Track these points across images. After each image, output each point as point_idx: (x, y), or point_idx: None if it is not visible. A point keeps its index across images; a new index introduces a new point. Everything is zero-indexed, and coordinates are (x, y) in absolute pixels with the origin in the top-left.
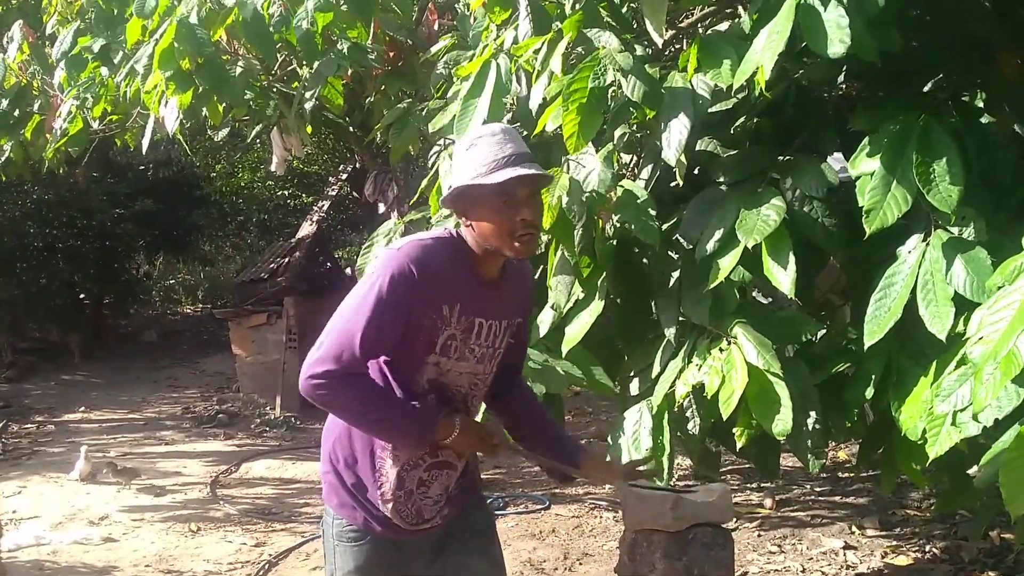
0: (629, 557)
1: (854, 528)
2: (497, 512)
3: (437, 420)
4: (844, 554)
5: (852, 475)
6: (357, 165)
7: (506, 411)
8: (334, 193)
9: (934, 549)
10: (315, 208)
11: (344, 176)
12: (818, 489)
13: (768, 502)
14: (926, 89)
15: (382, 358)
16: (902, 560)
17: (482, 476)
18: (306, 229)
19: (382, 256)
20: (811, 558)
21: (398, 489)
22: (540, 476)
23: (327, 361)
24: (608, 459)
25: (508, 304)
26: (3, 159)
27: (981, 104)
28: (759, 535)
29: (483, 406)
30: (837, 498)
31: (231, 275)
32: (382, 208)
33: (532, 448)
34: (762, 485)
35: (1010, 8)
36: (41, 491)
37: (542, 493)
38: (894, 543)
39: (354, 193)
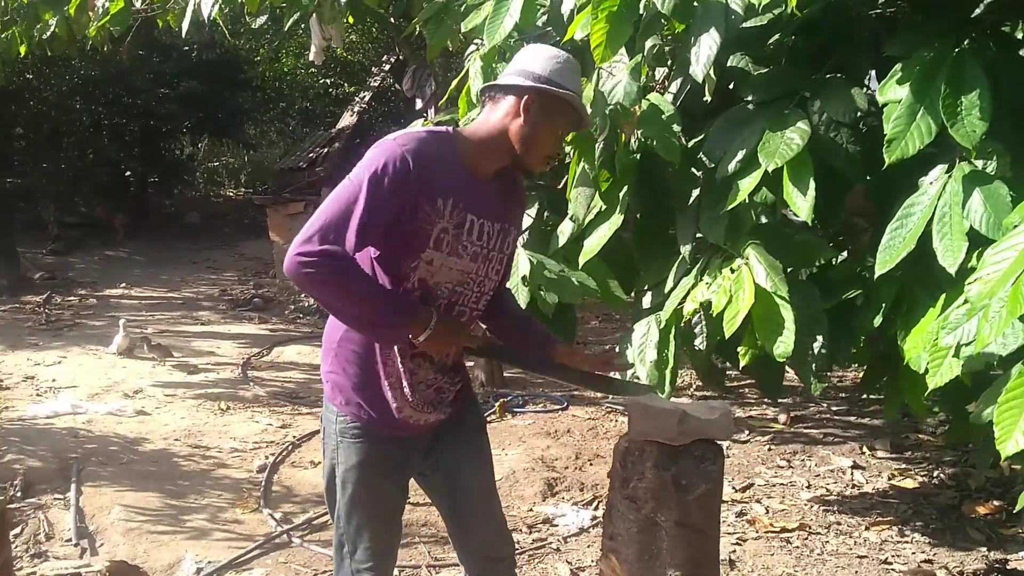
0: (621, 464)
1: (865, 449)
2: (516, 410)
3: (417, 312)
4: (851, 473)
5: (869, 397)
6: (400, 57)
7: (491, 311)
8: (376, 84)
9: (942, 475)
10: (356, 99)
11: (387, 67)
12: (835, 408)
13: (783, 417)
14: (968, 16)
15: (373, 252)
16: (908, 483)
17: (504, 374)
18: (346, 120)
19: (378, 145)
20: (818, 475)
21: (405, 371)
22: None
23: (316, 240)
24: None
25: (502, 208)
26: (48, 34)
27: (1021, 36)
28: (769, 449)
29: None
30: (852, 418)
31: (274, 160)
32: (419, 104)
33: (510, 344)
34: (779, 400)
35: None
36: (80, 362)
37: (561, 394)
38: (903, 466)
39: (396, 85)
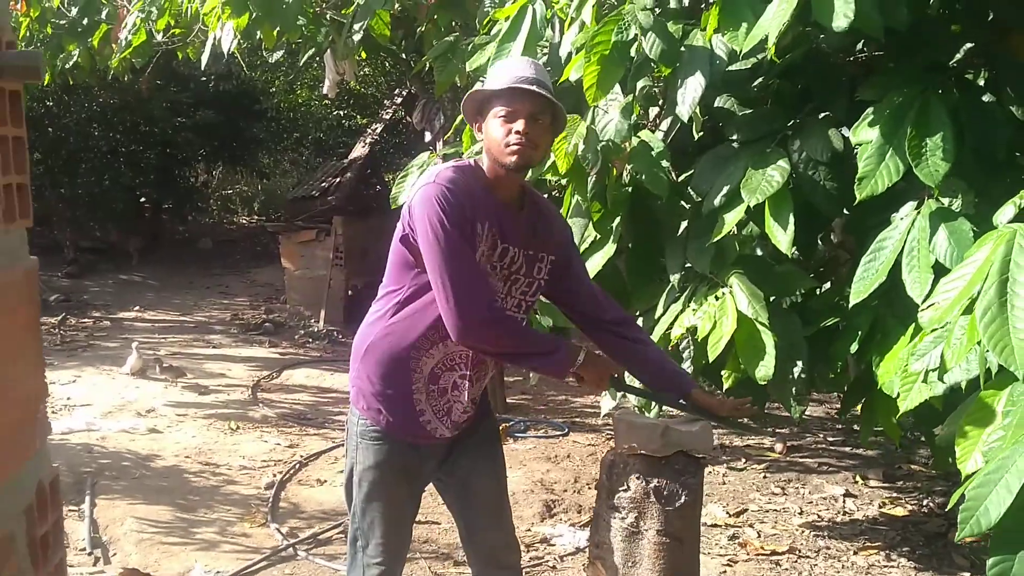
0: (607, 476)
1: (858, 478)
2: (517, 435)
3: (575, 354)
4: (843, 500)
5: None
6: (411, 91)
7: (607, 343)
8: (388, 117)
9: (931, 503)
10: (369, 130)
11: (398, 101)
12: (830, 439)
13: (779, 447)
14: (933, 64)
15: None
16: (898, 511)
17: (507, 400)
18: (358, 151)
19: (420, 194)
20: (811, 502)
21: (431, 384)
22: (563, 405)
23: (467, 303)
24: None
25: (532, 236)
26: (71, 63)
27: (982, 83)
28: (764, 476)
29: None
30: (847, 449)
31: (287, 189)
32: (428, 136)
33: (643, 379)
34: (776, 431)
35: None
36: (94, 382)
37: (562, 421)
38: (894, 495)
39: (407, 118)
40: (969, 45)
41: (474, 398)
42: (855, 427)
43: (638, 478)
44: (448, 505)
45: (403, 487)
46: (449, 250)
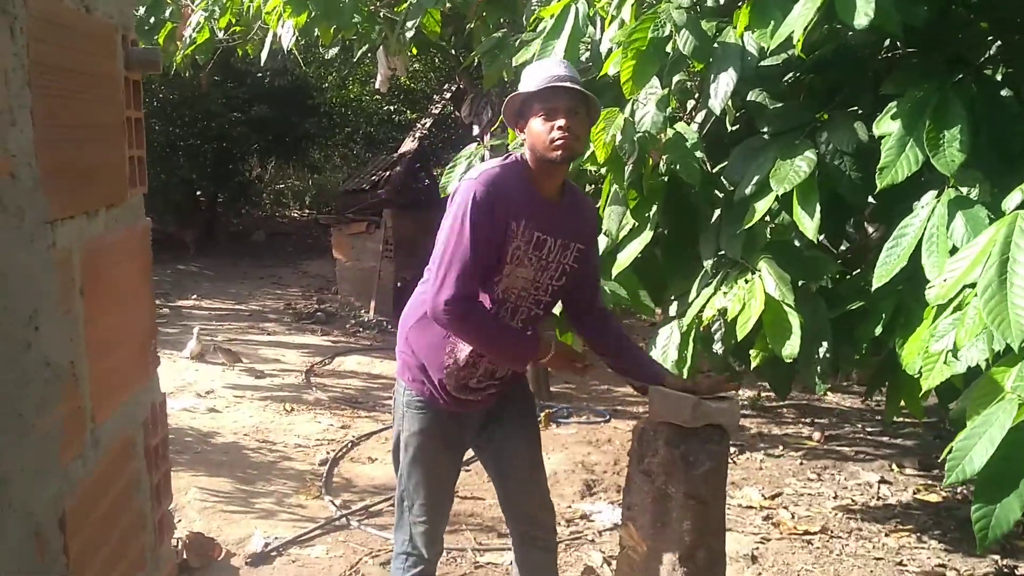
0: (638, 443)
1: (893, 466)
2: (561, 421)
3: (539, 345)
4: (878, 487)
5: (904, 419)
6: (460, 86)
7: (589, 331)
8: (437, 112)
9: (965, 490)
10: (418, 125)
11: (447, 96)
12: (868, 429)
13: (817, 435)
14: (954, 59)
15: None
16: (932, 497)
17: (552, 389)
18: (408, 145)
19: (461, 187)
20: (845, 487)
21: (465, 363)
22: (606, 393)
23: (449, 289)
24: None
25: (568, 226)
26: None
27: (1000, 78)
28: (801, 463)
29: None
30: (885, 438)
31: (337, 184)
32: (476, 130)
33: (617, 369)
34: (815, 420)
35: None
36: None
37: (604, 408)
38: (929, 482)
39: (456, 112)
40: (992, 40)
41: (499, 374)
42: (893, 419)
43: (667, 444)
44: (487, 470)
45: (444, 453)
46: (457, 243)
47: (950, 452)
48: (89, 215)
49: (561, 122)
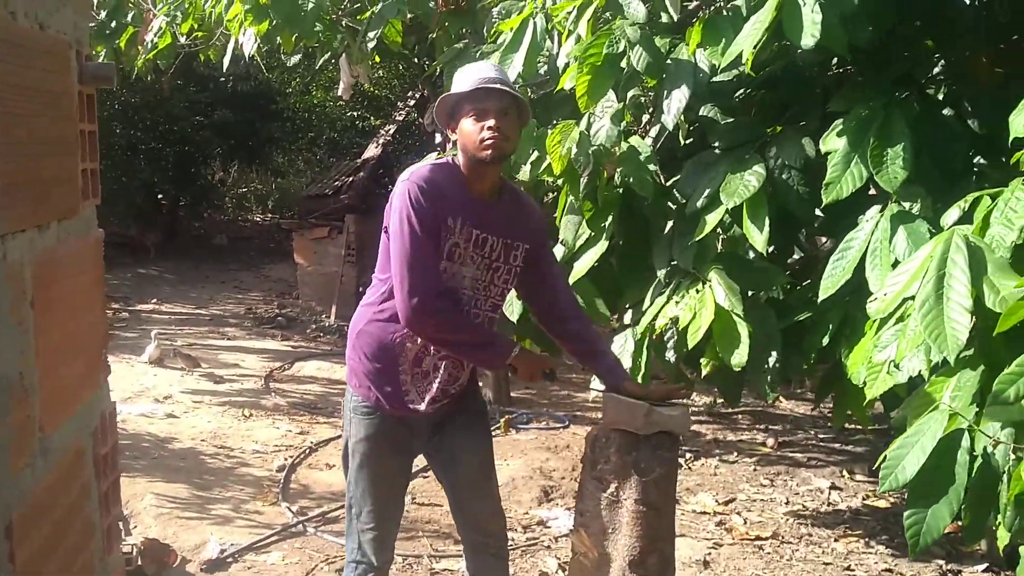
0: (590, 449)
1: (844, 472)
2: (520, 427)
3: (511, 347)
4: (829, 493)
5: (854, 426)
6: (423, 93)
7: (553, 332)
8: (401, 118)
9: None
10: (382, 131)
11: (411, 103)
12: (821, 435)
13: (771, 442)
14: (899, 78)
15: None
16: (881, 503)
17: (512, 394)
18: (372, 151)
19: (396, 190)
20: (797, 493)
21: (415, 366)
22: (565, 399)
23: (416, 291)
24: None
25: (509, 225)
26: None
27: (942, 98)
28: (755, 469)
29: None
30: (837, 445)
31: (300, 188)
32: (438, 139)
33: (589, 368)
34: (770, 427)
35: (990, 12)
36: (114, 370)
37: (564, 414)
38: (878, 488)
39: (420, 119)
40: (938, 58)
41: (455, 379)
42: (845, 425)
43: (619, 451)
44: (438, 477)
45: (392, 458)
46: (410, 243)
47: (884, 460)
48: (41, 228)
49: (491, 122)
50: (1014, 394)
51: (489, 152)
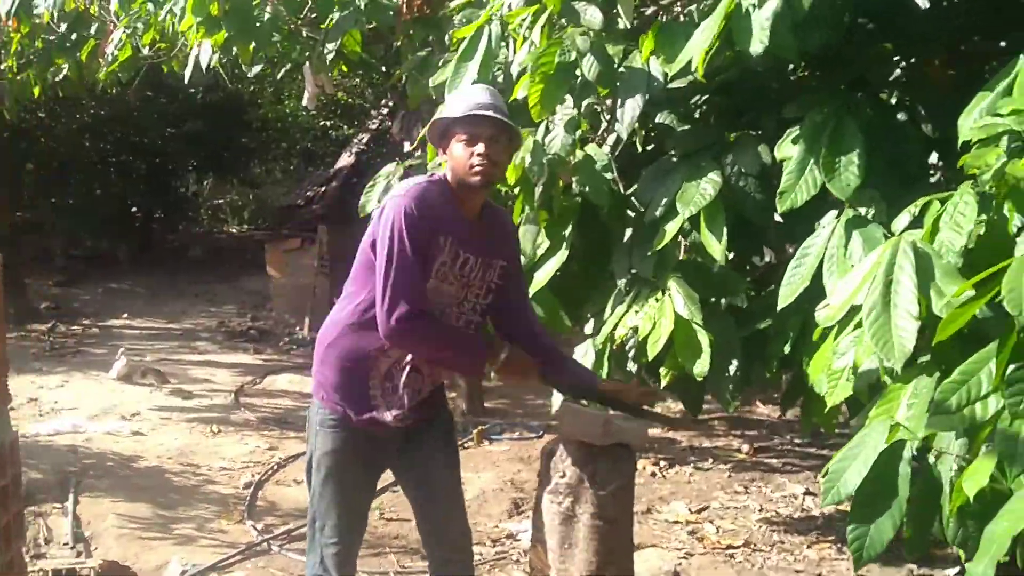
0: (546, 463)
1: (819, 477)
2: (493, 437)
3: (491, 354)
4: (803, 498)
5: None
6: (395, 102)
7: (523, 340)
8: (374, 127)
9: None
10: (355, 140)
11: (385, 111)
12: (796, 440)
13: (746, 448)
14: (852, 83)
15: None
16: None
17: (486, 405)
18: (345, 160)
19: (389, 204)
20: (771, 500)
21: (386, 381)
22: (540, 408)
23: (400, 306)
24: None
25: (489, 244)
26: (60, 76)
27: (895, 102)
28: (729, 476)
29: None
30: (812, 449)
31: (277, 198)
32: (408, 147)
33: (555, 377)
34: (745, 433)
35: (946, 16)
36: (82, 386)
37: (538, 423)
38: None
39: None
40: (897, 61)
41: (425, 394)
42: (821, 429)
43: (574, 464)
44: (406, 493)
45: (358, 473)
46: (399, 259)
47: (826, 474)
48: None
49: (481, 148)
50: (956, 403)
51: (478, 179)
